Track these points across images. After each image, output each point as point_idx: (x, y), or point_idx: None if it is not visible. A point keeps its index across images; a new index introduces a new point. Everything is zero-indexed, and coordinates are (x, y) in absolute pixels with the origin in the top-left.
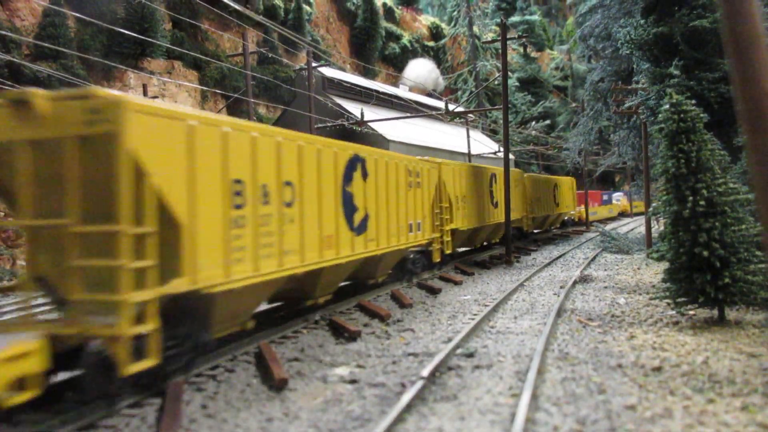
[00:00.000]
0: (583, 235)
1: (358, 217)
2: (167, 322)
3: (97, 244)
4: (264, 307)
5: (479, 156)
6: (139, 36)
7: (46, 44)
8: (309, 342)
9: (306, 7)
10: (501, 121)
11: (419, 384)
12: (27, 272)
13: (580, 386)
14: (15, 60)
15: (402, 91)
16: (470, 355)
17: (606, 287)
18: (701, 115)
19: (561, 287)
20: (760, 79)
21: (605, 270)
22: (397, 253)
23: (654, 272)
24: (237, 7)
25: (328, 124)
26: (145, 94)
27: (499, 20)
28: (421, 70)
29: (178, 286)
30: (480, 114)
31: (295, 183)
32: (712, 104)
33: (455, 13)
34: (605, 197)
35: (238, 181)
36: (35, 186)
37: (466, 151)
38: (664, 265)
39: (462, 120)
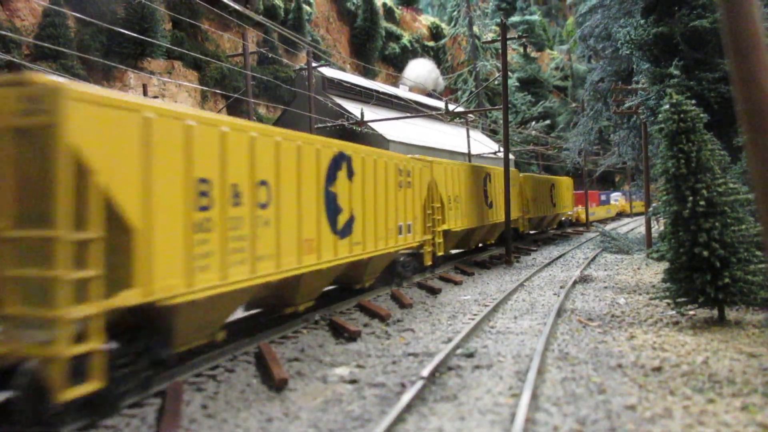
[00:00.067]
0: (583, 235)
1: (342, 219)
2: (119, 337)
3: (33, 251)
4: (239, 314)
5: (479, 156)
6: (139, 36)
7: (46, 44)
8: (309, 342)
9: (306, 7)
10: (501, 121)
11: (419, 384)
12: None
13: (580, 386)
14: (15, 60)
15: (402, 91)
16: (470, 355)
17: (606, 287)
18: (701, 115)
19: (561, 287)
20: (760, 79)
21: (605, 270)
22: (386, 256)
23: (654, 272)
24: (237, 7)
25: (328, 124)
26: (145, 94)
27: (499, 20)
28: (421, 70)
29: (128, 298)
30: (480, 114)
31: (271, 182)
32: (712, 104)
33: (455, 13)
34: (603, 197)
35: (203, 181)
36: None
37: (466, 151)
38: (664, 265)
39: (462, 120)
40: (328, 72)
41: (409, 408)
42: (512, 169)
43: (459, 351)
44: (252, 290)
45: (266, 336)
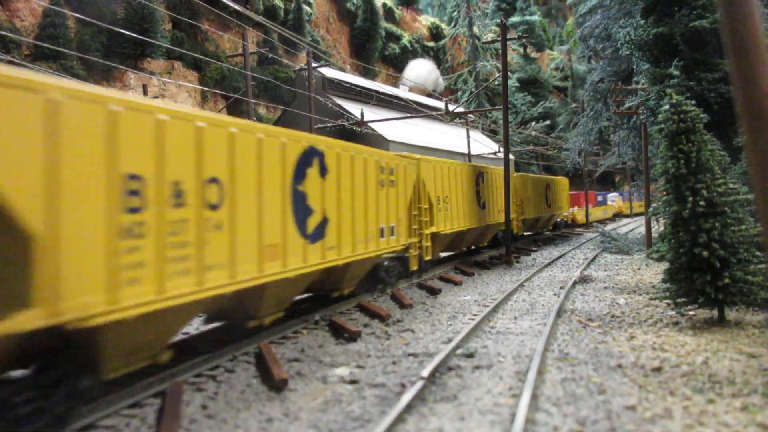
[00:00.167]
0: (582, 236)
1: (313, 222)
2: (24, 367)
3: None
4: (195, 329)
5: (479, 156)
6: (139, 36)
7: (46, 44)
8: (309, 342)
9: (306, 8)
10: (501, 122)
11: (419, 384)
12: None
13: (580, 387)
14: (15, 60)
15: (402, 92)
16: (470, 356)
17: (606, 288)
18: (701, 115)
19: (561, 288)
20: (760, 79)
21: (605, 270)
22: (366, 261)
23: (654, 272)
24: (237, 7)
25: (328, 125)
26: (145, 94)
27: (499, 20)
28: (421, 70)
29: (25, 322)
30: (480, 114)
31: (224, 180)
32: (712, 104)
33: (455, 13)
34: (600, 198)
35: (134, 177)
36: None
37: (466, 151)
38: (664, 265)
39: (462, 120)
40: (328, 72)
41: (409, 408)
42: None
43: (459, 351)
44: (200, 304)
45: (266, 336)
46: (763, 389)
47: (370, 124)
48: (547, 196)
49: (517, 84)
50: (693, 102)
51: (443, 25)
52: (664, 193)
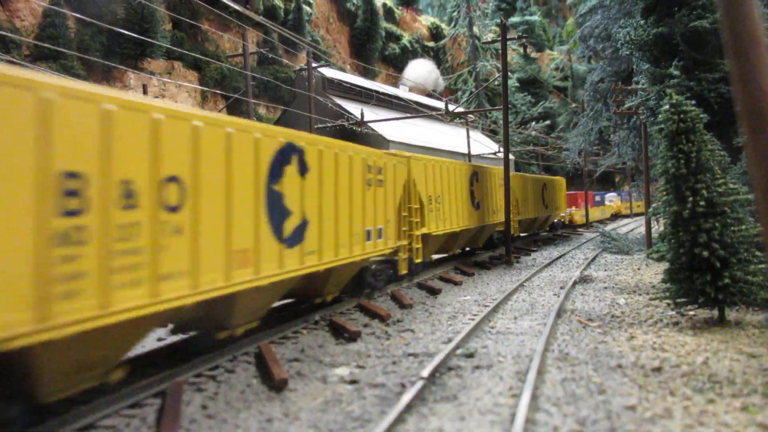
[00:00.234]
0: (582, 236)
1: (290, 225)
2: None
3: None
4: (153, 344)
5: (479, 156)
6: (139, 36)
7: (46, 45)
8: (309, 342)
9: (306, 8)
10: (501, 122)
11: (419, 384)
12: None
13: (580, 387)
14: (15, 60)
15: (402, 92)
16: (470, 356)
17: (606, 288)
18: (701, 115)
19: (561, 288)
20: (760, 79)
21: (605, 270)
22: (351, 266)
23: (654, 273)
24: (237, 7)
25: (328, 125)
26: (145, 94)
27: (499, 21)
28: (421, 70)
29: None
30: (480, 114)
31: (185, 179)
32: (712, 104)
33: (455, 13)
34: (597, 198)
35: (72, 175)
36: None
37: (466, 151)
38: (664, 265)
39: (462, 120)
40: (328, 72)
41: (409, 408)
42: (500, 168)
43: (459, 351)
44: (156, 317)
45: (266, 336)
46: (763, 389)
47: (370, 124)
48: (544, 196)
49: (517, 84)
50: (693, 102)
51: (443, 25)
52: (664, 193)
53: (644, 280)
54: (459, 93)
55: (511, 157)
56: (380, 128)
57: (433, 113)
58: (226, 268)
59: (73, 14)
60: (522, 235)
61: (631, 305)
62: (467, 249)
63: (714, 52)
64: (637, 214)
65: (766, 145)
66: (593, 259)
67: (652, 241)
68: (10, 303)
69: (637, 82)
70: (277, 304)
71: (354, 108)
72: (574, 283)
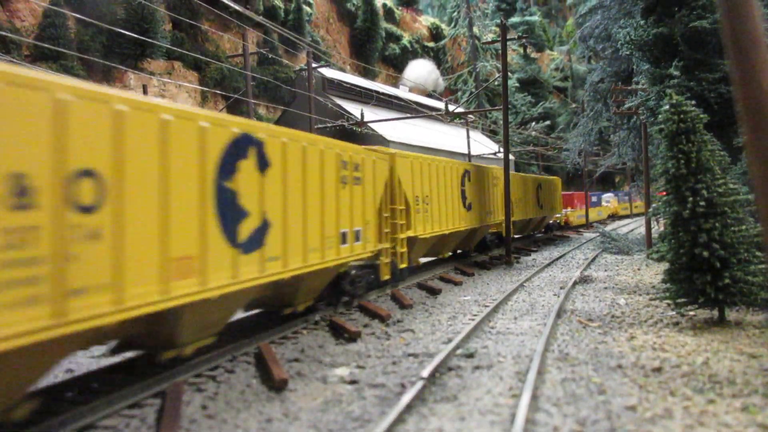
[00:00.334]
0: (582, 236)
1: (247, 227)
2: None
3: None
4: (95, 364)
5: (479, 156)
6: (139, 37)
7: (46, 45)
8: (309, 342)
9: (306, 8)
10: (501, 122)
11: (419, 384)
12: None
13: (580, 387)
14: (15, 61)
15: (402, 92)
16: (470, 356)
17: (606, 288)
18: (701, 115)
19: (561, 288)
20: (760, 79)
21: (605, 271)
22: (324, 272)
23: (654, 273)
24: (237, 7)
25: (329, 125)
26: (145, 94)
27: (499, 21)
28: (421, 70)
29: None
30: (480, 115)
31: (104, 173)
32: (712, 105)
33: (455, 13)
34: (594, 199)
35: None
36: None
37: (466, 151)
38: (664, 265)
39: (462, 121)
40: (328, 73)
41: (409, 408)
42: (493, 166)
43: (459, 351)
44: (67, 341)
45: (266, 336)
46: (764, 390)
47: (370, 124)
48: (539, 196)
49: (517, 84)
50: (693, 102)
51: (443, 26)
52: (665, 193)
53: (644, 281)
54: (459, 93)
55: (511, 157)
56: (380, 128)
57: (433, 113)
58: (161, 279)
59: (73, 14)
60: (516, 237)
61: (632, 305)
62: (458, 252)
63: (714, 52)
64: (636, 215)
65: (766, 145)
66: (593, 260)
67: (652, 241)
68: None
69: (637, 83)
70: (241, 315)
71: (354, 108)
72: (574, 284)
